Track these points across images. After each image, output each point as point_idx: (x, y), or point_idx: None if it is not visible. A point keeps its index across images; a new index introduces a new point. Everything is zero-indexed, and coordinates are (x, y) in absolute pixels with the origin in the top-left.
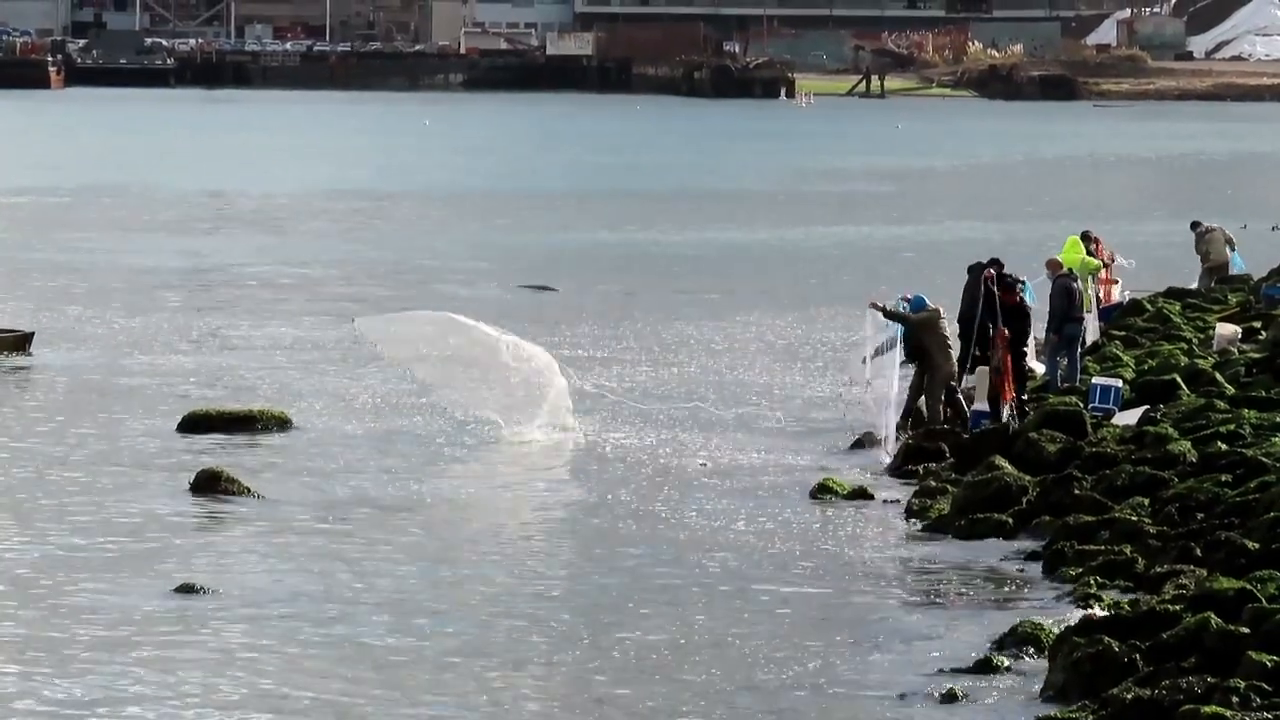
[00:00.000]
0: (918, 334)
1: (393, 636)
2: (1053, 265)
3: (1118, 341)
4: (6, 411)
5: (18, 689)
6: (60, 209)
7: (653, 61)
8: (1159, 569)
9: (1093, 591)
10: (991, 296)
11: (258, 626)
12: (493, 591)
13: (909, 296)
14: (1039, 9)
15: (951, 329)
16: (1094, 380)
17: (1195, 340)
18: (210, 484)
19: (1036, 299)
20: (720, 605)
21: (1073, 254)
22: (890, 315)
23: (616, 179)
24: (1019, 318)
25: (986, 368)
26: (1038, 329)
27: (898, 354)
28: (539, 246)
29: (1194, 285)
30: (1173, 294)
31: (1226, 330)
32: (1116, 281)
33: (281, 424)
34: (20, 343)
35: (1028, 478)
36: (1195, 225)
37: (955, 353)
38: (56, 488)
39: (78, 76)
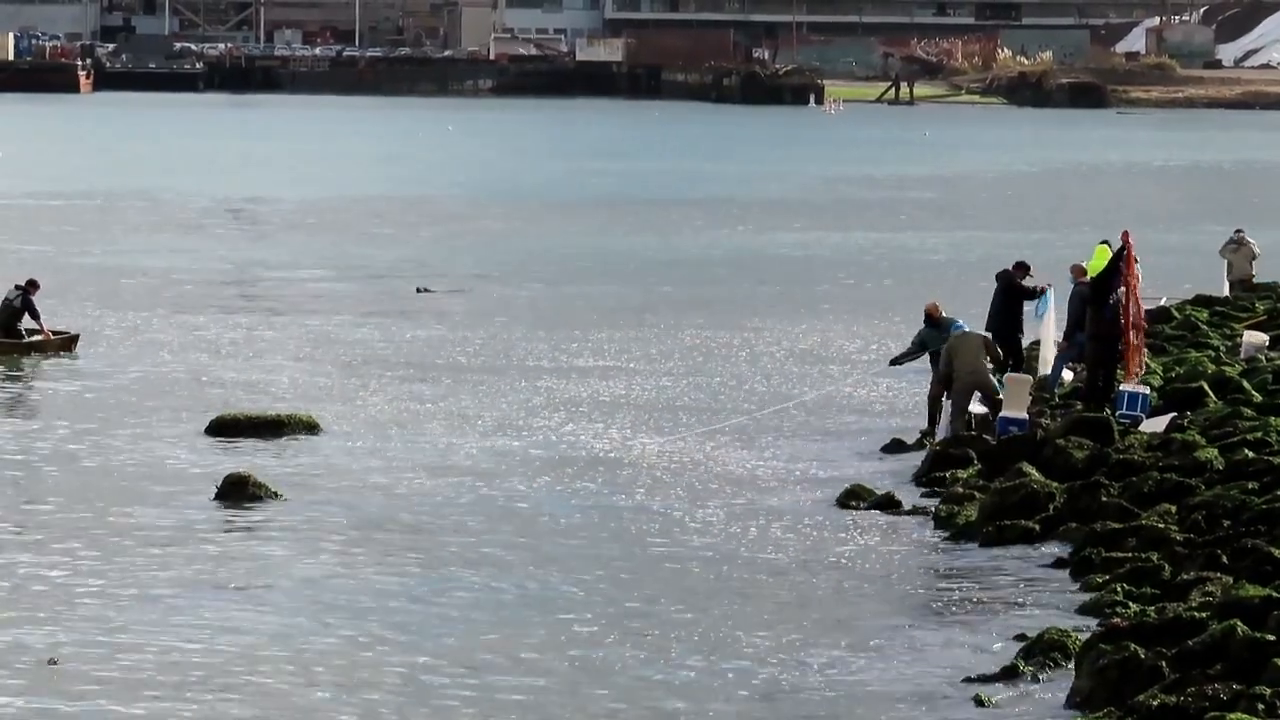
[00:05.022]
0: (947, 354)
1: (418, 641)
2: (1076, 271)
3: (1145, 349)
4: (46, 412)
5: (46, 689)
6: (91, 213)
7: (682, 68)
8: (1185, 576)
9: (1119, 598)
10: (1018, 300)
11: (283, 630)
12: (517, 593)
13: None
14: (1068, 16)
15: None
16: (1121, 387)
17: (1223, 347)
18: (237, 488)
19: (1051, 307)
20: (745, 610)
21: (1100, 262)
22: (907, 355)
23: (641, 185)
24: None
25: (1017, 375)
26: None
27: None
28: (563, 252)
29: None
30: (1200, 301)
31: (1254, 338)
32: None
33: (309, 428)
34: (67, 344)
35: (1055, 484)
36: (1238, 231)
37: (985, 360)
38: (84, 490)
39: (107, 81)
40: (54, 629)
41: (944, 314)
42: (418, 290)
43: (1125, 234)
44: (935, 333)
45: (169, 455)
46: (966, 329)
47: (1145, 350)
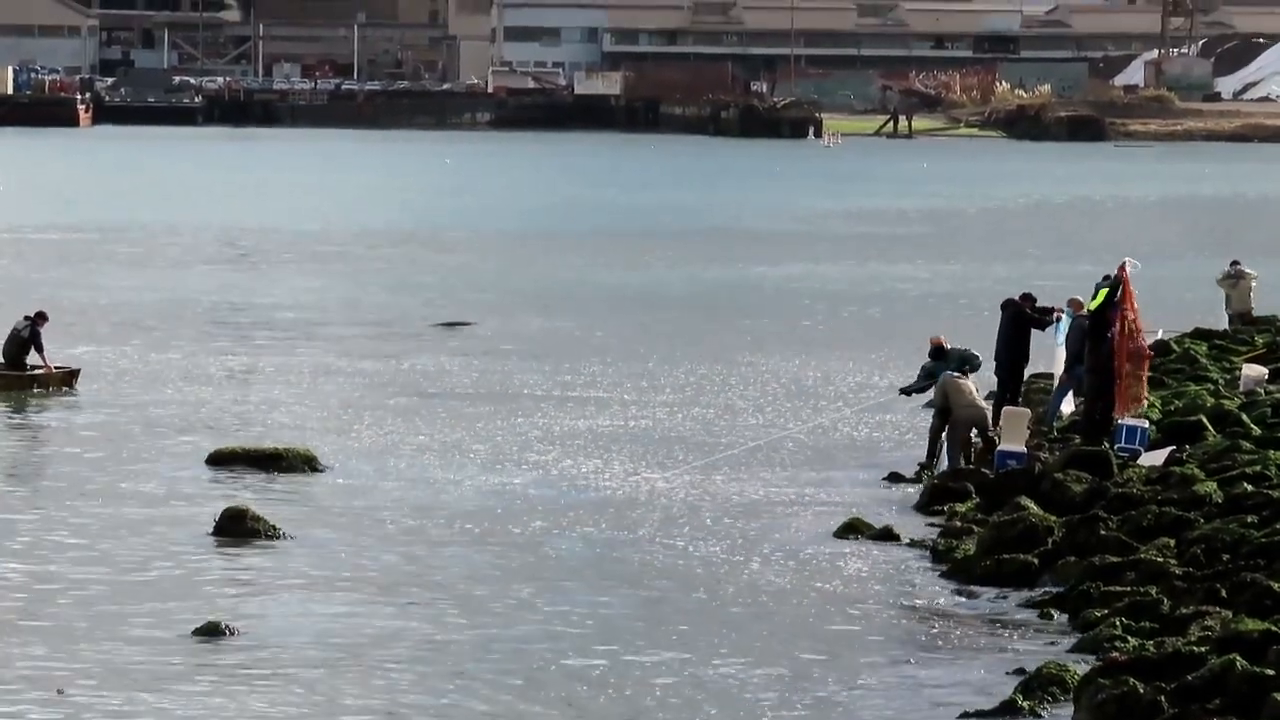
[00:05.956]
0: (943, 390)
1: (416, 677)
2: (1074, 305)
3: (1145, 380)
4: (46, 445)
5: None
6: (90, 246)
7: (680, 101)
8: (1184, 610)
9: (1118, 633)
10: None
11: (280, 667)
12: (516, 629)
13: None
14: (1066, 49)
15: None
16: (1120, 421)
17: (1222, 381)
18: (235, 522)
19: (1064, 335)
20: (740, 642)
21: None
22: (915, 387)
23: (640, 219)
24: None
25: (1014, 409)
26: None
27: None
28: (560, 285)
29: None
30: (1200, 335)
31: (1253, 371)
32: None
33: (308, 462)
34: (68, 378)
35: (1053, 518)
36: (1234, 264)
37: (980, 398)
38: (81, 524)
39: (106, 114)
40: (60, 661)
41: (949, 346)
42: (441, 324)
43: (1122, 265)
44: (941, 365)
45: (167, 489)
46: (956, 375)
47: (1144, 382)
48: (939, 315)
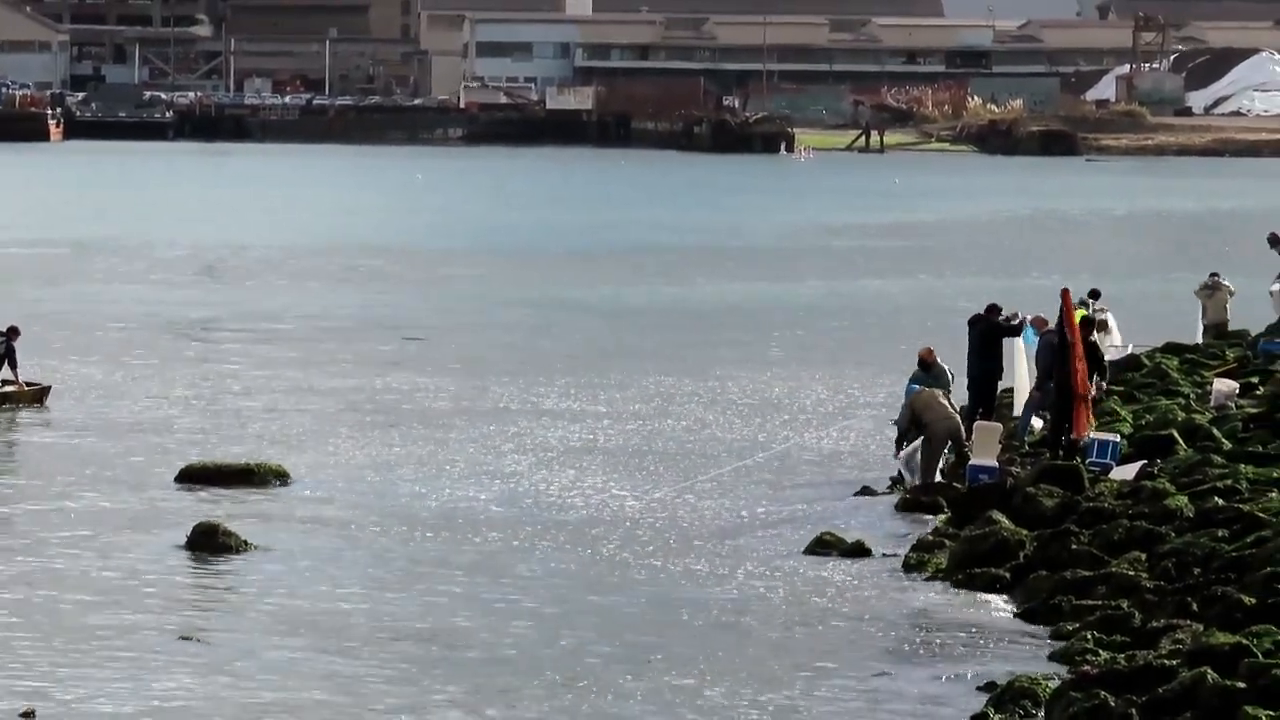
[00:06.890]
0: (911, 409)
1: (386, 693)
2: (1038, 323)
3: (1116, 397)
4: (16, 464)
5: None
6: (60, 261)
7: (652, 116)
8: (1155, 624)
9: (1089, 646)
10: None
11: (251, 682)
12: (485, 646)
13: None
14: (1038, 65)
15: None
16: (1091, 435)
17: (1193, 395)
18: (207, 538)
19: (1032, 343)
20: (711, 657)
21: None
22: (903, 436)
23: (610, 234)
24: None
25: (985, 423)
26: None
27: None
28: (531, 302)
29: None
30: (1171, 349)
31: (1224, 386)
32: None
33: (279, 477)
34: (39, 396)
35: (1025, 532)
36: (1213, 275)
37: (954, 409)
38: (53, 541)
39: (77, 129)
40: (28, 681)
41: (938, 360)
42: (405, 339)
43: (1064, 291)
44: (928, 377)
45: (139, 504)
46: (923, 391)
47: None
48: (911, 329)
